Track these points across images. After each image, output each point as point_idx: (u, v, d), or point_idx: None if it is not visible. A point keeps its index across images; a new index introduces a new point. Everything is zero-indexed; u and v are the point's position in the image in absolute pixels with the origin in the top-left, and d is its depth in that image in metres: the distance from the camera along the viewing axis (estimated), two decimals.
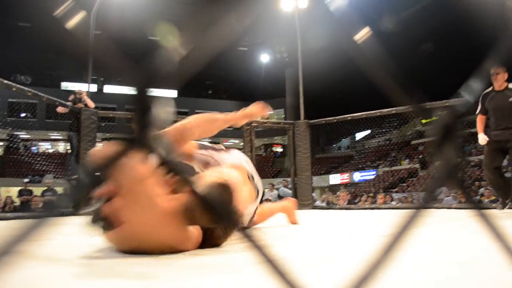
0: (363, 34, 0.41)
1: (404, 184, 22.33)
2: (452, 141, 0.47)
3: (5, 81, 5.31)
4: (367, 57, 0.41)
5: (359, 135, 32.74)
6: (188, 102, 29.68)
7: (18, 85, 5.65)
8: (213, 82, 34.64)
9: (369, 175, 26.50)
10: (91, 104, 7.41)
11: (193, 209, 1.82)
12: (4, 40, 24.87)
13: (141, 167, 1.84)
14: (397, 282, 1.20)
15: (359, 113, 7.43)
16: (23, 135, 27.49)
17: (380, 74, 0.42)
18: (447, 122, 0.47)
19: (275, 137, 33.53)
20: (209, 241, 2.11)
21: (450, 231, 3.02)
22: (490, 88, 4.77)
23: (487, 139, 4.73)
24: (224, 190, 1.89)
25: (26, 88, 5.87)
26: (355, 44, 0.42)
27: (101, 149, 1.95)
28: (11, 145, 25.31)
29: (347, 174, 27.52)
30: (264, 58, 34.70)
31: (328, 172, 28.71)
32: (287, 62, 29.89)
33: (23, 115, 27.97)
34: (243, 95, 33.25)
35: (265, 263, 0.45)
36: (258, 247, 0.44)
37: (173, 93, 29.50)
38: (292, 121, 7.86)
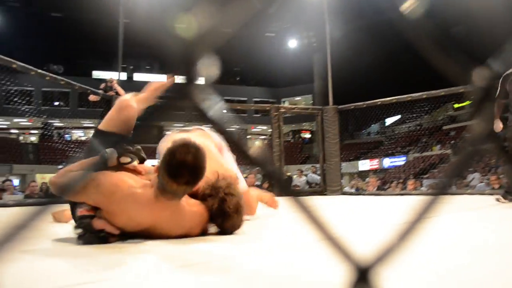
0: (410, 3, 0.39)
1: (435, 170, 21.85)
2: (491, 103, 0.45)
3: (39, 71, 5.45)
4: (417, 30, 0.39)
5: (389, 121, 32.15)
6: (216, 88, 29.75)
7: (51, 74, 5.78)
8: (241, 69, 34.57)
9: (399, 161, 26.08)
10: (122, 92, 7.53)
11: (163, 182, 1.79)
12: (37, 31, 25.51)
13: (108, 176, 1.83)
14: (409, 269, 1.18)
15: (389, 98, 7.23)
16: (56, 123, 28.21)
17: (433, 50, 0.40)
18: (486, 83, 0.45)
19: (303, 123, 33.27)
20: (224, 226, 2.07)
21: (477, 218, 2.95)
22: (511, 70, 4.43)
23: (501, 126, 4.45)
24: (182, 147, 1.81)
25: (59, 77, 6.00)
26: (402, 16, 0.40)
27: (58, 174, 1.95)
28: (45, 132, 26.06)
29: (377, 160, 27.15)
30: (292, 43, 34.37)
31: (357, 158, 28.40)
32: (315, 47, 29.50)
33: (56, 103, 28.71)
34: (271, 81, 33.10)
35: (326, 240, 0.45)
36: (319, 225, 0.44)
37: (200, 80, 29.63)
38: (320, 107, 7.75)
